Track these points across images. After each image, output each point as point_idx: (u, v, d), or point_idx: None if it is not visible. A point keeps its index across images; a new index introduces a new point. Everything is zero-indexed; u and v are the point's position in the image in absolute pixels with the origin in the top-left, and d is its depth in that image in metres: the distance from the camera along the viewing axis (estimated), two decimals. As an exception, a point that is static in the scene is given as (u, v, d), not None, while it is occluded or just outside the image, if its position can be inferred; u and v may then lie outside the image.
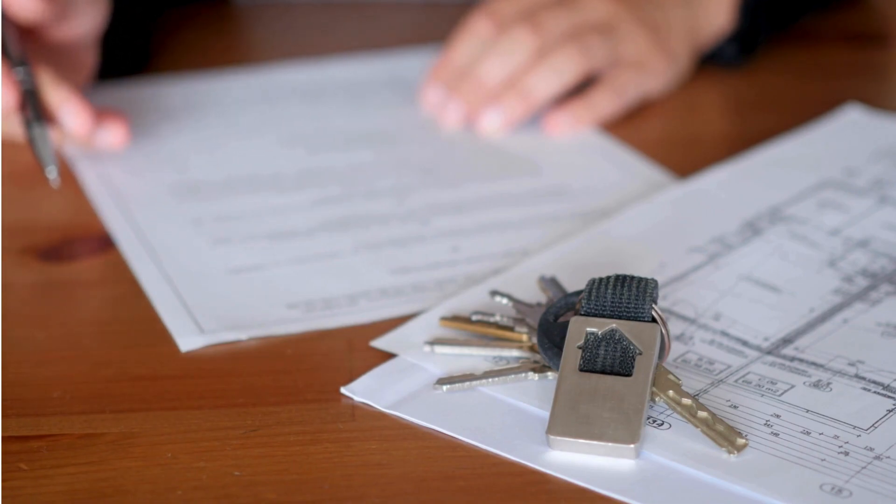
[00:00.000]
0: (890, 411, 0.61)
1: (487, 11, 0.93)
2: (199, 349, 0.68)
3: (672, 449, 0.59)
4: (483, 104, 0.90)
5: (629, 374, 0.61)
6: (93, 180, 0.86)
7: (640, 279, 0.64)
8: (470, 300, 0.70)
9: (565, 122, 0.90)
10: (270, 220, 0.80)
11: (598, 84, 0.92)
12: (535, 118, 0.91)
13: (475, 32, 0.92)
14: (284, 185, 0.85)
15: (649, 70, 0.93)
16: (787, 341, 0.67)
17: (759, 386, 0.63)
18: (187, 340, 0.68)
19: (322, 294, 0.72)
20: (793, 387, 0.63)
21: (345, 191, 0.84)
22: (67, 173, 0.87)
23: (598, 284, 0.64)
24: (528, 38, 0.90)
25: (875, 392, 0.62)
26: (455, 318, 0.68)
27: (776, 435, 0.60)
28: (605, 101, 0.91)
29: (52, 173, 0.79)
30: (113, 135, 0.87)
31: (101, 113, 0.87)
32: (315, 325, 0.70)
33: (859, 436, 0.60)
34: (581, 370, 0.61)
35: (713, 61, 0.99)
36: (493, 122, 0.90)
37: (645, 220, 0.78)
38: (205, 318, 0.70)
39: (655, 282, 0.64)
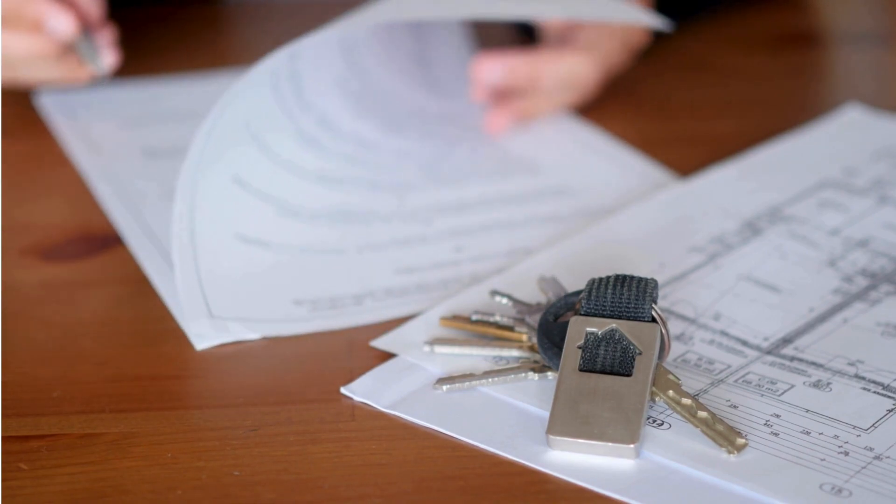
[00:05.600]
0: (890, 411, 0.61)
1: None
2: (199, 349, 0.68)
3: (672, 449, 0.59)
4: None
5: (629, 374, 0.61)
6: (98, 179, 0.85)
7: (640, 279, 0.64)
8: (470, 300, 0.70)
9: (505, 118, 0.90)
10: (275, 210, 0.80)
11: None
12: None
13: None
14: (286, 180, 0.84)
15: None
16: (786, 341, 0.67)
17: (759, 386, 0.63)
18: (201, 338, 0.68)
19: (328, 293, 0.72)
20: (793, 387, 0.63)
21: (349, 173, 0.83)
22: (69, 173, 0.87)
23: (598, 284, 0.64)
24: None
25: (875, 392, 0.62)
26: (455, 318, 0.68)
27: (776, 435, 0.60)
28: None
29: (97, 65, 0.90)
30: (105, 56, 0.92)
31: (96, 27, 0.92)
32: (322, 326, 0.69)
33: (859, 436, 0.60)
34: (581, 370, 0.61)
35: None
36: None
37: (645, 219, 0.78)
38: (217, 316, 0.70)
39: (655, 282, 0.64)
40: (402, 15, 0.86)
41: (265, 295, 0.72)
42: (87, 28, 0.92)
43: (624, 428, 0.59)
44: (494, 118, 0.90)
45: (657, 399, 0.61)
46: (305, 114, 0.86)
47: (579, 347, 0.62)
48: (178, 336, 0.69)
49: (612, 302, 0.63)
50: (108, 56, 0.92)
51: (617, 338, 0.62)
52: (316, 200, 0.80)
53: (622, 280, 0.64)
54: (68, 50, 0.91)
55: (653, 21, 0.89)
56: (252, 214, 0.77)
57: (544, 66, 0.89)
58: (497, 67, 0.89)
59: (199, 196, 0.74)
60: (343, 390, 0.64)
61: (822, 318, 0.68)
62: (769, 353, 0.66)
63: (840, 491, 0.56)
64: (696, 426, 0.59)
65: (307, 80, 0.86)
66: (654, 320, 0.63)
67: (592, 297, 0.63)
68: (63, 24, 0.90)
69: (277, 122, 0.83)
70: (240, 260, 0.74)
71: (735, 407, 0.62)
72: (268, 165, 0.80)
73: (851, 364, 0.64)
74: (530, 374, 0.64)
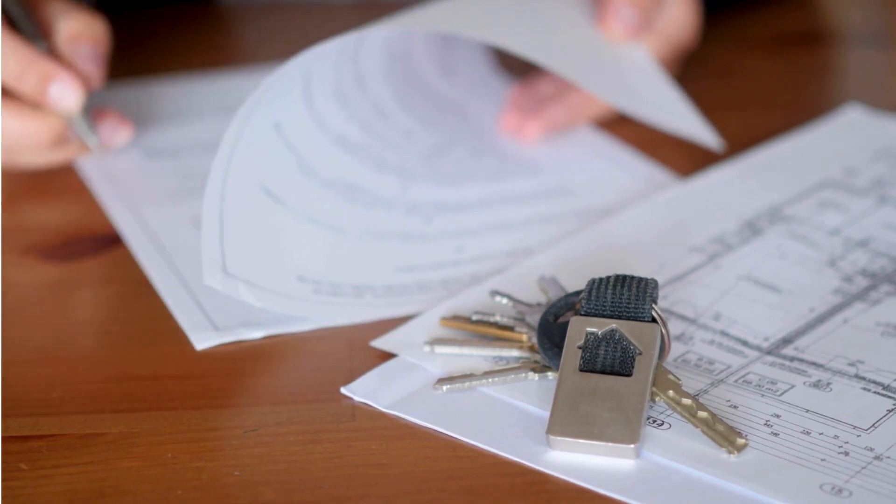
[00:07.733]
0: (890, 411, 0.61)
1: None
2: (199, 349, 0.68)
3: (672, 449, 0.59)
4: None
5: (629, 374, 0.61)
6: (98, 179, 0.85)
7: (640, 279, 0.64)
8: (470, 300, 0.70)
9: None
10: (296, 163, 0.79)
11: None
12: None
13: None
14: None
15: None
16: (787, 341, 0.67)
17: (759, 386, 0.63)
18: (202, 339, 0.68)
19: (330, 277, 0.72)
20: (793, 387, 0.63)
21: (361, 140, 0.83)
22: (69, 173, 0.87)
23: (598, 284, 0.64)
24: None
25: (875, 392, 0.62)
26: (455, 318, 0.68)
27: (776, 435, 0.60)
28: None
29: (92, 141, 0.84)
30: (117, 132, 0.88)
31: (102, 112, 0.87)
32: (323, 311, 0.69)
33: (859, 436, 0.60)
34: (581, 370, 0.61)
35: None
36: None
37: (645, 219, 0.78)
38: (218, 315, 0.70)
39: (655, 282, 0.64)
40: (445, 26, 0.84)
41: (273, 263, 0.71)
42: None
43: (624, 428, 0.59)
44: (527, 127, 0.88)
45: (657, 399, 0.61)
46: (349, 67, 0.86)
47: (579, 347, 0.62)
48: (178, 336, 0.69)
49: (612, 302, 0.63)
50: (121, 134, 0.87)
51: (617, 338, 0.62)
52: (330, 164, 0.80)
53: (622, 280, 0.64)
54: (65, 134, 0.83)
55: (705, 136, 0.87)
56: (279, 165, 0.76)
57: None
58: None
59: (241, 141, 0.72)
60: (343, 390, 0.64)
61: (823, 318, 0.68)
62: (769, 353, 0.66)
63: (840, 491, 0.56)
64: (696, 426, 0.59)
65: (355, 37, 0.84)
66: (654, 320, 0.63)
67: (592, 298, 0.63)
68: (69, 96, 0.81)
69: (324, 74, 0.82)
70: (257, 214, 0.73)
71: (735, 407, 0.62)
72: (303, 114, 0.80)
73: (851, 364, 0.64)
74: (530, 374, 0.64)
